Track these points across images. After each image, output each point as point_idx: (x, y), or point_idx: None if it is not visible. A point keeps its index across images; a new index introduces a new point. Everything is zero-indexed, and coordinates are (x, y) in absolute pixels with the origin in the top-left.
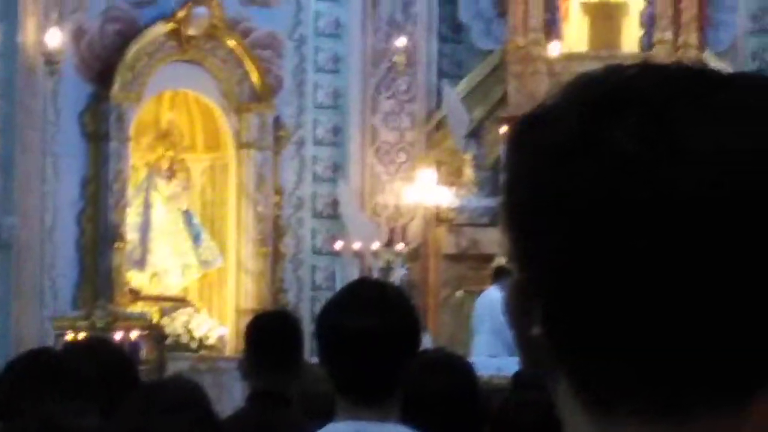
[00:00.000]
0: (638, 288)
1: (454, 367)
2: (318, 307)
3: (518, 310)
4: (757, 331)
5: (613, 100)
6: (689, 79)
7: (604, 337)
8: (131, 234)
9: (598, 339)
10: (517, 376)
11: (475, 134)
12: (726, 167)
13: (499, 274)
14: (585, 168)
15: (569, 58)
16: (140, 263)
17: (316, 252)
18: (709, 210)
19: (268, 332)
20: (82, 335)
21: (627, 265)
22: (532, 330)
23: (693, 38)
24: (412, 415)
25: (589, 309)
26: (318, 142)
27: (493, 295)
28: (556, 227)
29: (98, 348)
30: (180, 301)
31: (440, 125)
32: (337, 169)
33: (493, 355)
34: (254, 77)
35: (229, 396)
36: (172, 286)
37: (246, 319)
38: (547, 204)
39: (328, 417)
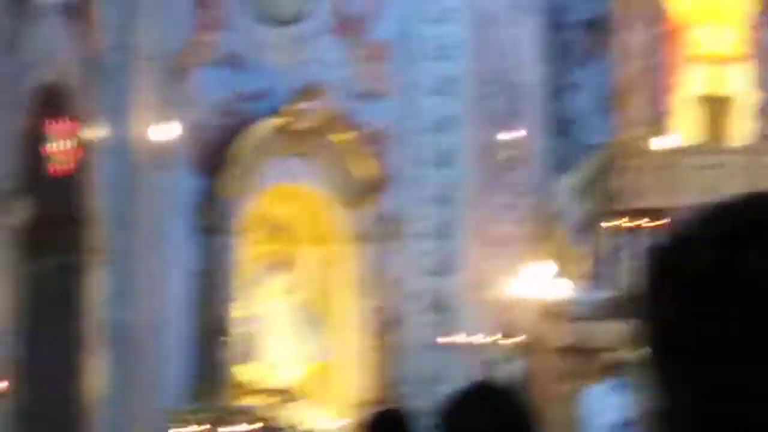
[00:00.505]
0: None
1: None
2: (430, 401)
3: None
4: None
5: (743, 231)
6: None
7: None
8: (241, 328)
9: None
10: None
11: (586, 228)
12: None
13: (606, 370)
14: (719, 300)
15: (678, 152)
16: (250, 356)
17: (428, 346)
18: None
19: (383, 429)
20: (194, 430)
21: None
22: None
23: None
24: None
25: None
26: (428, 236)
27: (598, 393)
28: (699, 358)
29: None
30: (291, 394)
31: (551, 219)
32: (448, 262)
33: None
34: (364, 171)
35: None
36: (284, 379)
37: (358, 412)
38: (691, 336)
39: None
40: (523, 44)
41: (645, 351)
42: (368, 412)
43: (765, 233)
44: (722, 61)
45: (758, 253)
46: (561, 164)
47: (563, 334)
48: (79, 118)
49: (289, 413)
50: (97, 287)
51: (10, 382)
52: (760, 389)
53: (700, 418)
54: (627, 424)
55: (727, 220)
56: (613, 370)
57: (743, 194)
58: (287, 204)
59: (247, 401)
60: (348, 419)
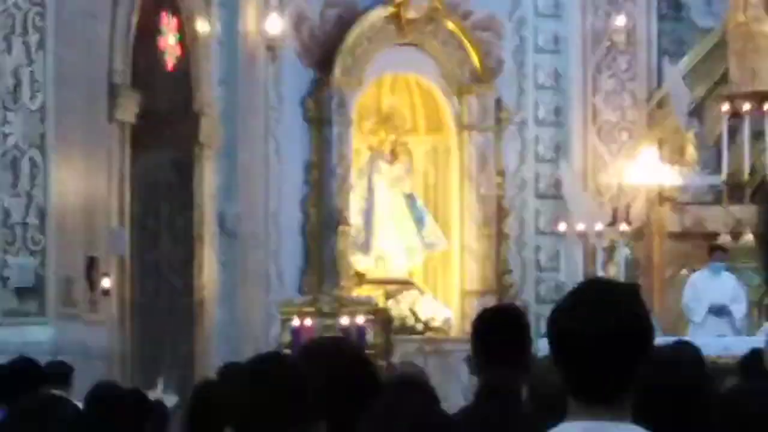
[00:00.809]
0: None
1: (683, 362)
2: (543, 288)
3: None
4: None
5: None
6: None
7: None
8: (355, 218)
9: None
10: (745, 360)
11: (696, 112)
12: None
13: (712, 252)
14: None
15: None
16: (365, 247)
17: (540, 233)
18: None
19: (495, 327)
20: (308, 321)
21: None
22: None
23: None
24: (645, 412)
25: None
26: (539, 123)
27: (707, 275)
28: None
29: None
30: (405, 284)
31: (662, 104)
32: (559, 149)
33: (721, 335)
34: (474, 59)
35: (456, 378)
36: (396, 270)
37: (471, 301)
38: None
39: (558, 411)
40: None
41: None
42: (483, 307)
43: None
44: None
45: None
46: (672, 48)
47: (674, 219)
48: (191, 13)
49: (403, 303)
50: (210, 180)
51: (123, 277)
52: None
53: None
54: (725, 308)
55: None
56: (716, 253)
57: None
58: (398, 94)
59: (362, 291)
60: (461, 308)
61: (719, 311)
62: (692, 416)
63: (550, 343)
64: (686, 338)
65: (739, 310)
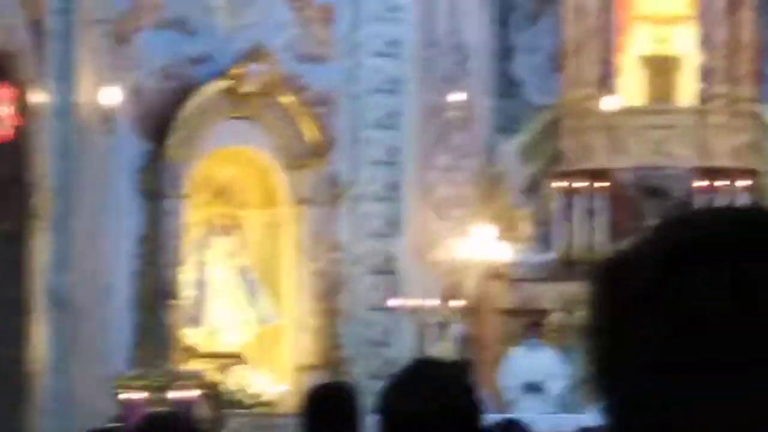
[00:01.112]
0: None
1: None
2: (374, 364)
3: None
4: None
5: (689, 250)
6: (761, 228)
7: None
8: (187, 291)
9: None
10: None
11: (530, 189)
12: None
13: (529, 329)
14: (660, 322)
15: (626, 112)
16: (196, 320)
17: (373, 308)
18: None
19: (323, 405)
20: (139, 395)
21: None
22: None
23: (748, 92)
24: None
25: None
26: (374, 198)
27: (523, 352)
28: (634, 378)
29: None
30: (236, 358)
31: (496, 180)
32: (393, 224)
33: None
34: (309, 134)
35: None
36: (229, 343)
37: (304, 376)
38: (630, 351)
39: None
40: (470, 5)
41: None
42: (313, 384)
43: (710, 256)
44: (668, 21)
45: (703, 277)
46: (507, 125)
47: (507, 296)
48: (23, 83)
49: (235, 378)
50: (42, 253)
51: None
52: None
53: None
54: (539, 384)
55: (673, 239)
56: (532, 329)
57: (691, 211)
58: (233, 167)
59: (193, 365)
60: (292, 383)
61: (533, 388)
62: None
63: (379, 419)
64: (515, 416)
65: (555, 387)
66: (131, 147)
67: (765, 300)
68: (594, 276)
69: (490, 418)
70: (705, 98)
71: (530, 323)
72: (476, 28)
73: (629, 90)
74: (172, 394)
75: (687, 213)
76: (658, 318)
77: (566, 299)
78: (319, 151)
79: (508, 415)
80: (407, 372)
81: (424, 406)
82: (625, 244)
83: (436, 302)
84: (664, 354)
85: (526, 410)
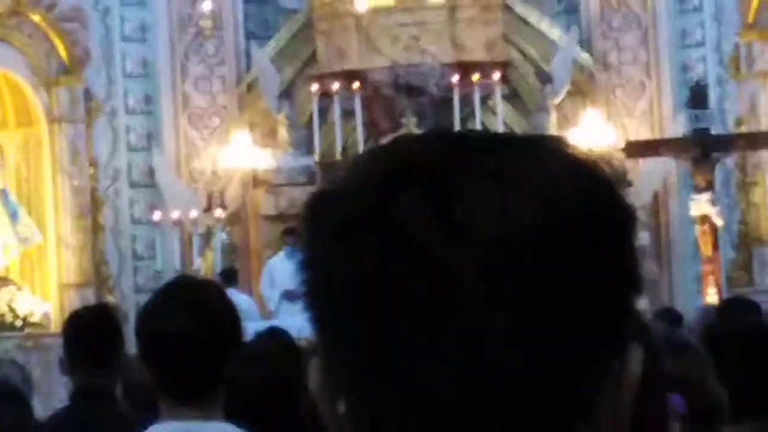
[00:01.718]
0: (418, 369)
1: (271, 356)
2: (140, 278)
3: (323, 387)
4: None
5: (396, 176)
6: (474, 151)
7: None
8: None
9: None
10: None
11: (286, 94)
12: (505, 248)
13: (285, 235)
14: (368, 246)
15: (376, 12)
16: None
17: (136, 222)
18: (485, 288)
19: (86, 329)
20: None
21: (403, 344)
22: (338, 407)
23: None
24: (235, 409)
25: (382, 387)
26: (130, 112)
27: (282, 259)
28: (345, 304)
29: None
30: (2, 280)
31: (251, 87)
32: (151, 137)
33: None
34: (61, 51)
35: (57, 373)
36: None
37: (69, 294)
38: (336, 282)
39: (154, 409)
40: None
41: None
42: (73, 311)
43: (417, 179)
44: None
45: (409, 201)
46: (259, 31)
47: (269, 202)
48: None
49: (1, 299)
50: None
51: None
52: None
53: (346, 366)
54: (296, 293)
55: (378, 167)
56: (289, 237)
57: (396, 138)
58: None
59: None
60: (59, 302)
61: (293, 296)
62: (283, 409)
63: (138, 341)
64: (278, 324)
65: None
66: None
67: (473, 225)
68: (303, 209)
69: (253, 326)
70: None
71: (286, 229)
72: None
73: None
74: None
75: (392, 140)
76: (366, 246)
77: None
78: (73, 68)
79: (269, 323)
80: (166, 292)
81: (183, 327)
82: (382, 142)
83: (198, 213)
84: (370, 284)
85: (287, 317)
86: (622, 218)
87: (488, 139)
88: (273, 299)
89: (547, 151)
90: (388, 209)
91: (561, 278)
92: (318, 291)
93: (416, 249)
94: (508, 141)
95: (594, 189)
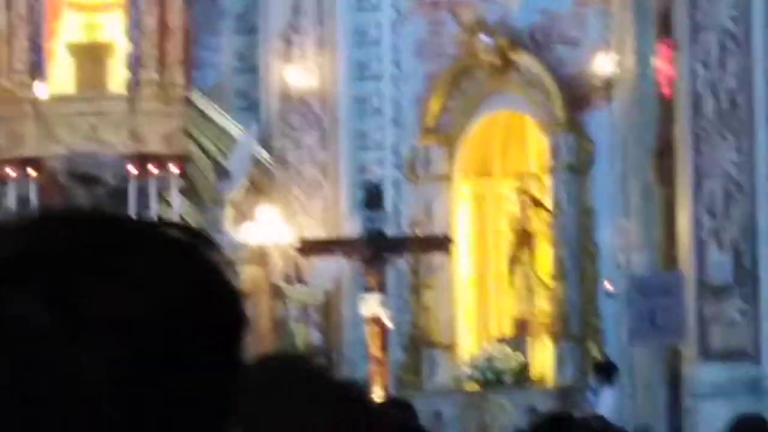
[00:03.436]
0: None
1: None
2: None
3: None
4: None
5: (15, 267)
6: (91, 241)
7: None
8: None
9: None
10: None
11: None
12: (127, 337)
13: None
14: None
15: (56, 99)
16: None
17: None
18: (113, 380)
19: None
20: None
21: None
22: None
23: (179, 78)
24: None
25: None
26: None
27: None
28: None
29: None
30: None
31: None
32: None
33: None
34: None
35: None
36: None
37: None
38: None
39: None
40: None
41: None
42: None
43: (30, 271)
44: (97, 8)
45: (33, 295)
46: None
47: None
48: None
49: None
50: None
51: None
52: None
53: None
54: None
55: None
56: None
57: (12, 221)
58: None
59: None
60: None
61: None
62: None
63: None
64: None
65: None
66: None
67: (96, 323)
68: None
69: None
70: (135, 85)
71: None
72: None
73: (60, 77)
74: None
75: (6, 223)
76: None
77: None
78: None
79: None
80: None
81: None
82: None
83: None
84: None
85: None
86: (227, 330)
87: (119, 233)
88: None
89: (180, 255)
90: (12, 303)
91: (157, 379)
92: None
93: (50, 342)
94: (138, 239)
95: (206, 300)
